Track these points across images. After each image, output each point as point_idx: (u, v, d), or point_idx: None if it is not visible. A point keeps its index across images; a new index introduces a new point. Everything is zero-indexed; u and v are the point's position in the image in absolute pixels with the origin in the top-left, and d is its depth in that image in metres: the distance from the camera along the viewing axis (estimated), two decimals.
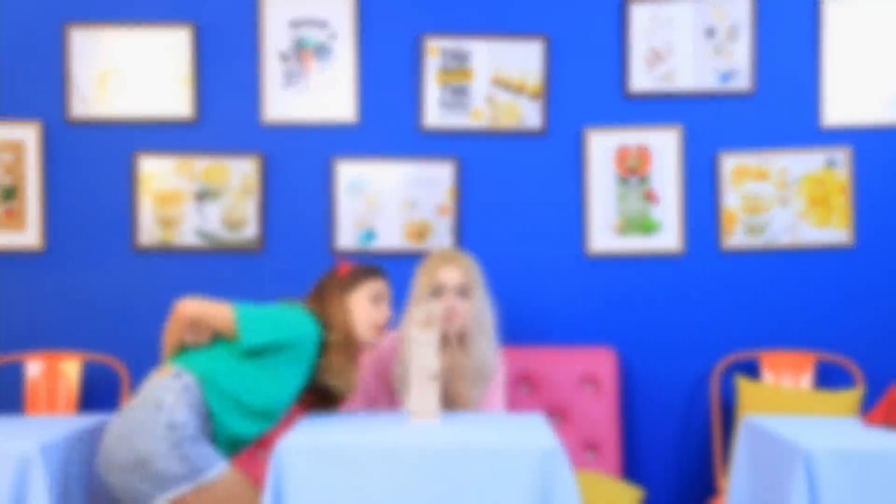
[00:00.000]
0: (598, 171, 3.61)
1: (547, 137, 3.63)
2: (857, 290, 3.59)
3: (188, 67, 3.61)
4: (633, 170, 3.62)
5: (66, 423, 2.75)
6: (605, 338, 3.61)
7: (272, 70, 3.61)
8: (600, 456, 3.38)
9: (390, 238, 3.60)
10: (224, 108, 3.63)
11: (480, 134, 3.63)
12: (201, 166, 3.60)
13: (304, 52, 3.62)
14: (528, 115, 3.62)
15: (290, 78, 3.62)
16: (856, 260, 3.59)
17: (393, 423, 2.47)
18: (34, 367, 3.45)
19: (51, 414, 3.38)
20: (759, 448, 2.64)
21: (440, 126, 3.62)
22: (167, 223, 3.60)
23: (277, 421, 2.56)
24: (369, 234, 3.61)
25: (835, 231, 3.59)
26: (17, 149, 3.61)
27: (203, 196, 3.60)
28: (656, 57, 3.63)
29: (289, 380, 2.52)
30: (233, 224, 3.60)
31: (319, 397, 2.67)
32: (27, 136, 3.61)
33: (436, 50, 3.62)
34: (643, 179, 3.62)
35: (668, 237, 3.61)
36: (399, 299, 2.93)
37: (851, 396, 3.26)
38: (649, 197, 3.62)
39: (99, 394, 3.56)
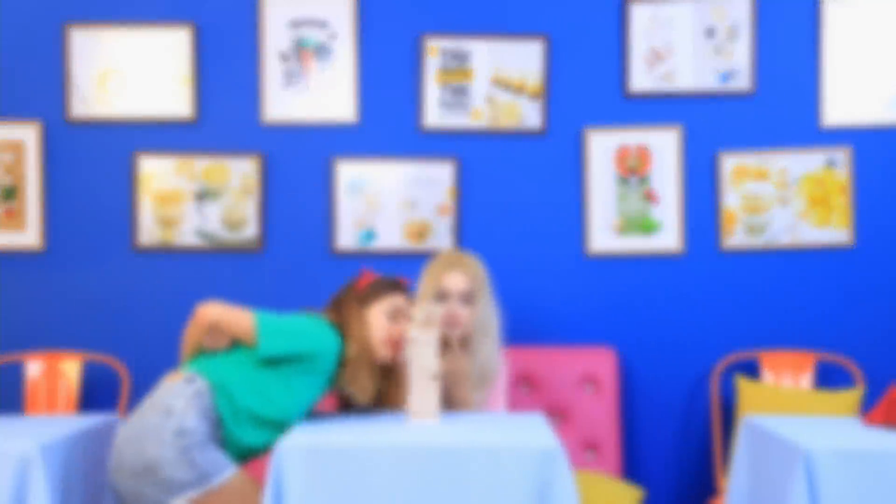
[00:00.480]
0: (598, 171, 3.61)
1: (547, 137, 3.63)
2: (857, 290, 3.59)
3: (188, 67, 3.61)
4: (633, 170, 3.62)
5: (66, 423, 2.75)
6: (605, 338, 3.61)
7: (272, 70, 3.61)
8: (600, 456, 3.38)
9: (390, 238, 3.60)
10: (224, 108, 3.63)
11: (480, 134, 3.63)
12: (201, 166, 3.60)
13: (304, 52, 3.62)
14: (528, 115, 3.62)
15: (290, 78, 3.62)
16: (856, 260, 3.59)
17: (393, 423, 2.47)
18: (34, 367, 3.45)
19: (51, 414, 3.38)
20: (759, 448, 2.64)
21: (440, 126, 3.62)
22: (167, 223, 3.60)
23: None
24: (369, 234, 3.61)
25: (835, 231, 3.59)
26: (17, 149, 3.61)
27: (203, 196, 3.60)
28: (656, 57, 3.63)
29: (304, 391, 2.49)
30: (233, 224, 3.60)
31: (343, 402, 2.68)
32: (27, 136, 3.61)
33: (436, 50, 3.62)
34: (643, 179, 3.62)
35: (668, 237, 3.61)
36: None
37: (851, 396, 3.26)
38: (649, 197, 3.62)
39: (99, 394, 3.56)
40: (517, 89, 3.62)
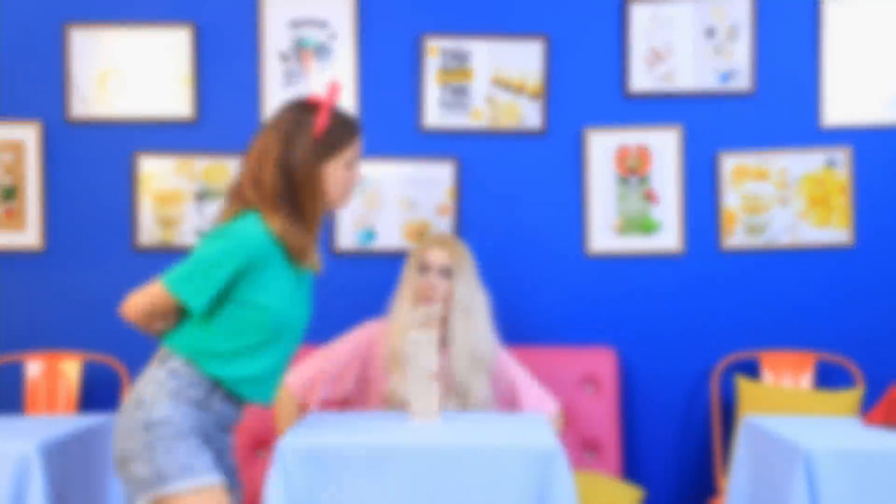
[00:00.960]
0: (598, 171, 3.61)
1: (547, 137, 3.63)
2: (857, 290, 3.59)
3: (188, 67, 3.61)
4: (633, 170, 3.62)
5: (66, 423, 2.75)
6: (605, 338, 3.61)
7: (272, 70, 3.61)
8: (600, 456, 3.38)
9: (390, 238, 3.60)
10: (224, 108, 3.63)
11: (480, 134, 3.63)
12: (201, 166, 3.60)
13: (304, 52, 3.62)
14: (528, 115, 3.62)
15: (290, 78, 3.62)
16: (856, 260, 3.59)
17: (393, 423, 2.47)
18: (34, 367, 3.45)
19: (51, 414, 3.38)
20: (759, 448, 2.64)
21: (440, 126, 3.62)
22: (167, 223, 3.60)
23: (303, 331, 2.31)
24: (369, 234, 3.61)
25: (835, 231, 3.59)
26: (17, 149, 3.61)
27: (203, 196, 3.60)
28: (656, 57, 3.63)
29: (276, 291, 2.18)
30: None
31: None
32: (27, 136, 3.61)
33: (436, 50, 3.62)
34: (643, 179, 3.62)
35: (668, 237, 3.61)
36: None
37: (851, 396, 3.26)
38: (649, 197, 3.62)
39: (99, 394, 3.56)
40: (517, 89, 3.62)
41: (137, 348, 3.58)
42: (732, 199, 3.60)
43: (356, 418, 2.61)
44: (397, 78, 3.63)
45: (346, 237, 3.61)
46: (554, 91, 3.63)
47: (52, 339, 3.57)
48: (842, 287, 3.59)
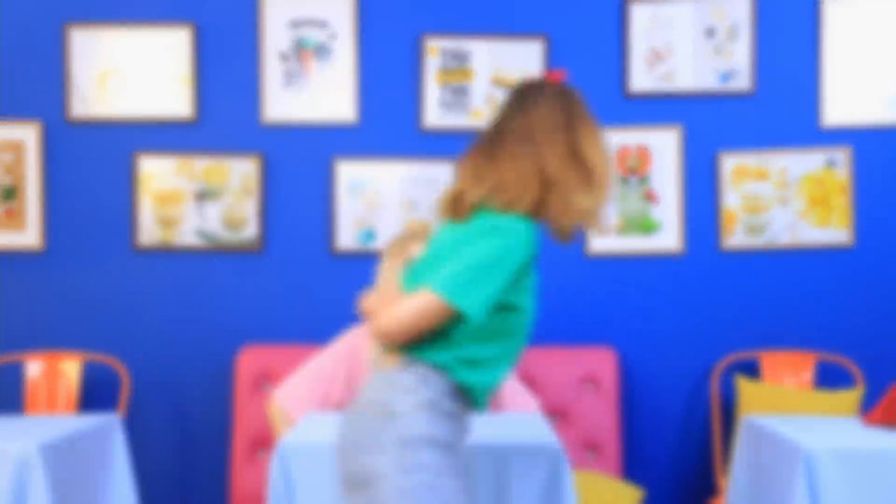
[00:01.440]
0: None
1: None
2: (857, 290, 3.59)
3: (188, 67, 3.61)
4: (633, 170, 3.62)
5: (66, 423, 2.75)
6: (605, 338, 3.61)
7: (272, 70, 3.61)
8: (600, 456, 3.38)
9: (390, 238, 3.60)
10: (224, 108, 3.63)
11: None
12: (201, 166, 3.60)
13: (304, 52, 3.62)
14: None
15: (290, 78, 3.62)
16: (856, 260, 3.59)
17: None
18: (34, 367, 3.45)
19: (51, 414, 3.38)
20: (759, 448, 2.64)
21: (440, 126, 3.62)
22: (167, 223, 3.60)
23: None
24: (369, 234, 3.61)
25: (835, 231, 3.59)
26: (17, 149, 3.61)
27: (203, 196, 3.60)
28: (656, 57, 3.63)
29: (531, 292, 1.92)
30: (233, 224, 3.60)
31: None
32: (27, 136, 3.61)
33: (436, 50, 3.62)
34: (643, 179, 3.62)
35: (668, 237, 3.61)
36: None
37: (851, 396, 3.26)
38: (649, 197, 3.62)
39: (99, 394, 3.56)
40: None
41: (137, 348, 3.59)
42: (732, 199, 3.60)
43: None
44: (397, 78, 3.63)
45: (346, 237, 3.61)
46: None
47: (52, 339, 3.57)
48: (842, 287, 3.59)
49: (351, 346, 2.92)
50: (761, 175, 3.60)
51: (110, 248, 3.61)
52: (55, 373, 3.45)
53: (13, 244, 3.60)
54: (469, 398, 1.89)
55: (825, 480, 2.27)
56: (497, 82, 3.63)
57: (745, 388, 3.39)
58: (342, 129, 3.63)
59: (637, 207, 3.61)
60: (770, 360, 3.51)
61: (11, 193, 3.62)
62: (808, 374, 3.47)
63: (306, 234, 3.62)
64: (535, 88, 1.97)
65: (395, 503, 1.74)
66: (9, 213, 3.61)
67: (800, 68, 3.62)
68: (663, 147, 3.61)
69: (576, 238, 1.96)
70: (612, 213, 2.14)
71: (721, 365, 3.53)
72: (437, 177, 3.60)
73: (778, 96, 3.62)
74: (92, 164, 3.62)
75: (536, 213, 1.88)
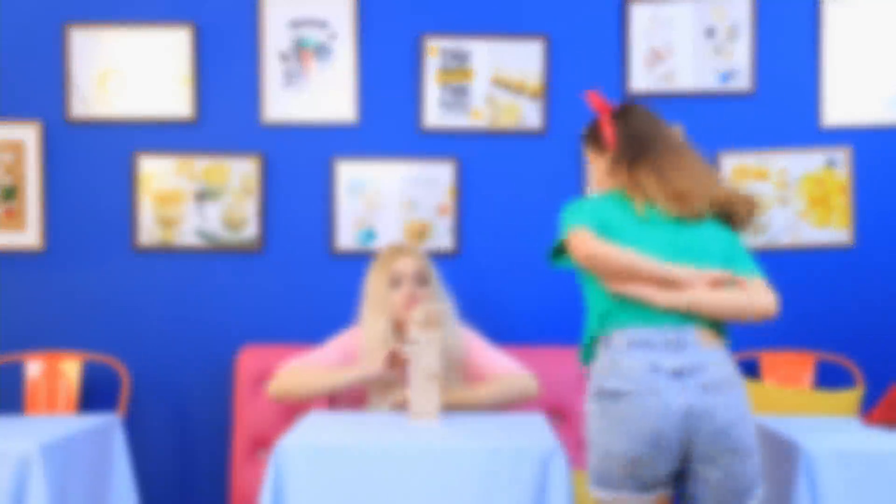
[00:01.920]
0: None
1: (547, 137, 3.63)
2: (857, 290, 3.59)
3: (188, 67, 3.61)
4: None
5: (66, 423, 2.75)
6: None
7: (272, 70, 3.61)
8: None
9: (390, 238, 3.60)
10: (224, 108, 3.63)
11: (480, 134, 3.63)
12: (201, 166, 3.60)
13: (304, 52, 3.62)
14: (528, 115, 3.62)
15: (290, 78, 3.62)
16: (856, 260, 3.59)
17: (393, 423, 2.47)
18: (34, 367, 3.45)
19: (51, 414, 3.38)
20: (759, 448, 2.63)
21: (440, 126, 3.62)
22: (167, 223, 3.60)
23: None
24: (369, 234, 3.61)
25: (835, 231, 3.59)
26: (17, 149, 3.61)
27: (203, 196, 3.60)
28: (656, 57, 3.63)
29: None
30: (233, 224, 3.60)
31: None
32: (27, 136, 3.61)
33: (436, 50, 3.62)
34: None
35: None
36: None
37: (851, 396, 3.26)
38: None
39: (99, 394, 3.56)
40: (517, 89, 3.62)
41: (137, 348, 3.59)
42: None
43: (355, 418, 2.60)
44: (397, 78, 3.63)
45: (346, 237, 3.61)
46: (554, 91, 3.63)
47: (52, 339, 3.57)
48: (842, 287, 3.59)
49: (345, 350, 2.91)
50: (761, 175, 3.60)
51: (110, 248, 3.61)
52: (55, 373, 3.45)
53: (13, 244, 3.60)
54: None
55: (825, 480, 2.27)
56: (497, 82, 3.63)
57: (745, 388, 3.38)
58: (342, 129, 3.63)
59: None
60: (770, 360, 3.51)
61: (11, 193, 3.62)
62: (808, 374, 3.47)
63: (306, 234, 3.62)
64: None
65: (756, 473, 2.14)
66: (9, 213, 3.61)
67: (800, 68, 3.62)
68: None
69: None
70: None
71: None
72: (437, 177, 3.60)
73: (778, 96, 3.62)
74: (92, 164, 3.62)
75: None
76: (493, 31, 3.63)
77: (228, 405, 3.57)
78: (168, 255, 3.62)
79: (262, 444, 3.34)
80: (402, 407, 2.57)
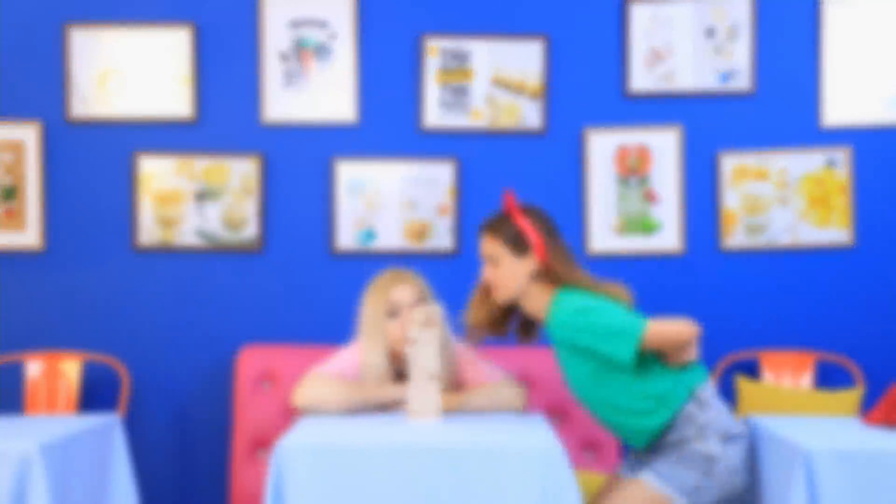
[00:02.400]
0: (598, 171, 3.62)
1: (547, 137, 3.64)
2: (857, 290, 3.59)
3: (188, 67, 3.61)
4: (633, 170, 3.62)
5: (66, 423, 2.75)
6: None
7: (272, 70, 3.61)
8: (600, 456, 3.37)
9: (390, 238, 3.60)
10: (224, 108, 3.63)
11: (480, 134, 3.63)
12: (201, 166, 3.60)
13: (304, 52, 3.62)
14: (528, 115, 3.62)
15: (290, 78, 3.62)
16: (856, 260, 3.59)
17: (393, 423, 2.47)
18: (34, 367, 3.45)
19: (51, 414, 3.38)
20: (759, 448, 2.64)
21: (440, 126, 3.62)
22: (167, 223, 3.60)
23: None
24: (369, 234, 3.61)
25: (835, 231, 3.59)
26: (17, 149, 3.61)
27: (203, 196, 3.61)
28: (656, 57, 3.63)
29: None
30: (233, 224, 3.60)
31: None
32: (27, 136, 3.61)
33: (436, 50, 3.62)
34: (643, 179, 3.62)
35: (668, 237, 3.61)
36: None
37: (851, 396, 3.26)
38: (649, 197, 3.62)
39: (99, 394, 3.56)
40: (517, 89, 3.62)
41: (137, 348, 3.60)
42: (732, 199, 3.60)
43: (355, 418, 2.60)
44: (397, 78, 3.63)
45: (346, 237, 3.61)
46: (554, 91, 3.63)
47: (52, 339, 3.57)
48: (842, 287, 3.59)
49: (343, 371, 2.84)
50: (761, 175, 3.60)
51: (110, 248, 3.61)
52: (55, 373, 3.45)
53: (13, 244, 3.60)
54: None
55: (825, 480, 2.27)
56: (497, 82, 3.63)
57: (745, 388, 3.39)
58: (342, 129, 3.63)
59: (637, 207, 3.61)
60: (770, 360, 3.51)
61: (11, 193, 3.62)
62: (808, 374, 3.47)
63: (306, 234, 3.62)
64: None
65: None
66: (9, 213, 3.61)
67: (800, 68, 3.62)
68: (663, 147, 3.61)
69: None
70: None
71: (721, 365, 3.53)
72: (438, 177, 3.60)
73: (778, 96, 3.62)
74: (92, 164, 3.62)
75: None
76: (493, 31, 3.63)
77: (228, 405, 3.57)
78: (168, 255, 3.62)
79: (262, 444, 3.34)
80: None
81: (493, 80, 3.62)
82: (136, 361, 3.57)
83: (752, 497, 2.65)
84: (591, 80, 3.64)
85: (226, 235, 3.60)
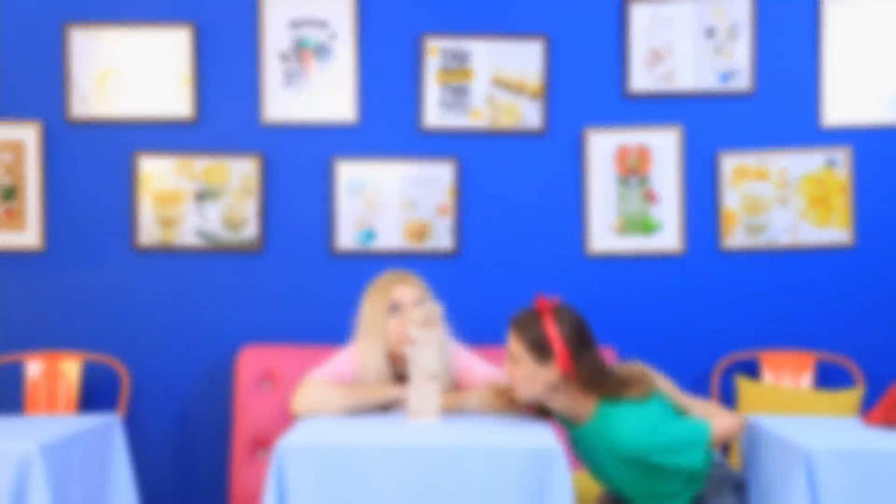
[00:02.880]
0: (598, 171, 3.62)
1: (547, 137, 3.64)
2: (857, 290, 3.59)
3: (188, 67, 3.61)
4: (633, 170, 3.62)
5: (66, 423, 2.75)
6: (605, 338, 3.60)
7: (272, 70, 3.61)
8: None
9: (390, 238, 3.60)
10: (224, 108, 3.63)
11: (480, 134, 3.63)
12: (201, 166, 3.60)
13: (304, 52, 3.62)
14: (528, 115, 3.62)
15: (290, 78, 3.62)
16: (856, 260, 3.59)
17: (393, 423, 2.47)
18: (34, 367, 3.45)
19: (51, 414, 3.38)
20: (758, 448, 2.63)
21: (440, 126, 3.62)
22: (167, 223, 3.60)
23: None
24: (369, 234, 3.61)
25: (835, 231, 3.59)
26: (17, 149, 3.61)
27: (203, 196, 3.61)
28: (656, 57, 3.63)
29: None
30: (233, 224, 3.61)
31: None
32: (27, 136, 3.61)
33: (436, 50, 3.62)
34: (643, 179, 3.62)
35: (668, 237, 3.61)
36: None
37: (851, 396, 3.26)
38: (649, 197, 3.62)
39: (99, 394, 3.56)
40: (517, 89, 3.62)
41: (137, 348, 3.60)
42: (732, 199, 3.60)
43: (355, 418, 2.60)
44: (397, 78, 3.63)
45: (346, 237, 3.61)
46: (554, 91, 3.63)
47: (52, 339, 3.57)
48: (842, 287, 3.59)
49: (343, 366, 2.83)
50: (761, 175, 3.60)
51: (110, 248, 3.61)
52: (55, 373, 3.45)
53: (13, 244, 3.60)
54: None
55: (825, 480, 2.27)
56: (497, 82, 3.63)
57: (745, 388, 3.39)
58: (342, 129, 3.63)
59: (637, 207, 3.61)
60: (770, 360, 3.51)
61: (11, 193, 3.62)
62: (808, 374, 3.47)
63: (306, 234, 3.62)
64: None
65: None
66: (9, 213, 3.61)
67: (800, 68, 3.62)
68: (663, 147, 3.61)
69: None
70: None
71: (721, 365, 3.53)
72: (437, 177, 3.60)
73: (778, 96, 3.62)
74: (92, 164, 3.62)
75: None
76: (493, 31, 3.63)
77: (228, 405, 3.57)
78: (168, 255, 3.62)
79: (262, 444, 3.34)
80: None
81: (493, 80, 3.62)
82: (136, 361, 3.57)
83: (753, 497, 2.65)
84: (591, 80, 3.64)
85: (226, 235, 3.60)
